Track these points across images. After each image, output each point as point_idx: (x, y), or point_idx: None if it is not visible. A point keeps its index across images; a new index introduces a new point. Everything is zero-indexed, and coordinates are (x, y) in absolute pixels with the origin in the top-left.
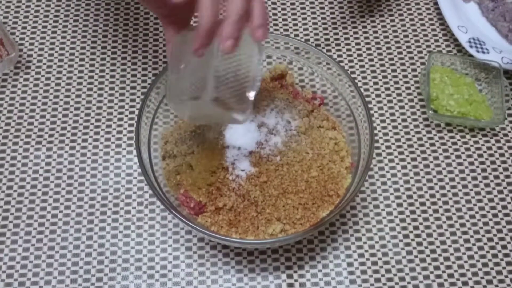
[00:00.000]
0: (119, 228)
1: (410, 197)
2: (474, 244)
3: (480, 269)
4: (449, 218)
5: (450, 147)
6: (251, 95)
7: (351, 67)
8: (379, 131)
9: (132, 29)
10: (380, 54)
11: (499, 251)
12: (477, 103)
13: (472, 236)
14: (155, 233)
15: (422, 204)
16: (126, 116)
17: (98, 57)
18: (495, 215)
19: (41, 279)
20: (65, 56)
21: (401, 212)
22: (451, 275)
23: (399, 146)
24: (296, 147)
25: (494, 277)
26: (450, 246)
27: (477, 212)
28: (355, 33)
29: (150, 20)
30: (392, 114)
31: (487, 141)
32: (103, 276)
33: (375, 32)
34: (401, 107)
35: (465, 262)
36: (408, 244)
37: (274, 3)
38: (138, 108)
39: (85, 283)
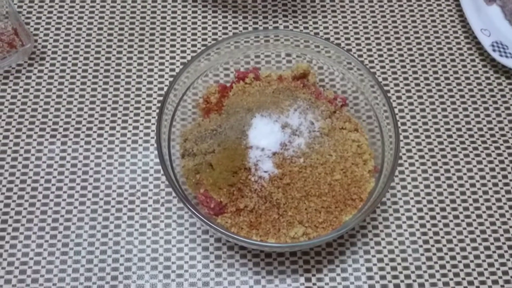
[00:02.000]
0: (135, 226)
1: (430, 202)
2: (494, 252)
3: (500, 277)
4: (469, 224)
5: (471, 152)
6: None
7: (372, 67)
8: (400, 134)
9: (149, 23)
10: (401, 55)
11: None
12: None
13: (492, 243)
14: (172, 232)
15: (443, 209)
16: (143, 111)
17: (114, 50)
18: None
19: (55, 276)
20: (80, 48)
21: (421, 217)
22: (470, 283)
23: (420, 150)
24: (320, 149)
25: None
26: (470, 252)
27: (497, 219)
28: (376, 32)
29: (167, 14)
30: (413, 117)
31: (508, 147)
32: (118, 275)
33: (396, 32)
34: (422, 110)
35: (485, 269)
36: (428, 250)
37: (294, 0)
38: (155, 103)
39: (100, 282)
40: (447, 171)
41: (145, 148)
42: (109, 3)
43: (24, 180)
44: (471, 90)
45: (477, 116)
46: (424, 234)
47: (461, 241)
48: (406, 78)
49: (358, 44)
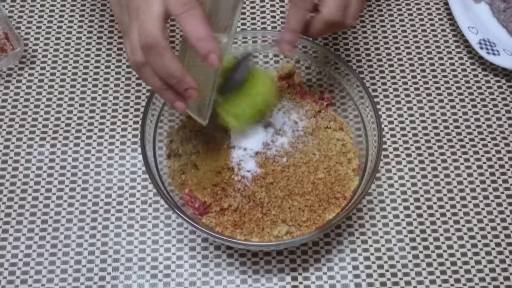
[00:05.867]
0: (123, 226)
1: (417, 200)
2: (481, 249)
3: (487, 275)
4: (456, 222)
5: (458, 150)
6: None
7: (359, 67)
8: (387, 132)
9: None
10: (389, 54)
11: (507, 257)
12: None
13: (479, 241)
14: (159, 233)
15: (429, 207)
16: (131, 113)
17: (103, 53)
18: (503, 220)
19: (44, 277)
20: (70, 52)
21: (408, 216)
22: (457, 280)
23: (407, 149)
24: (303, 148)
25: (501, 283)
26: (457, 250)
27: (485, 217)
28: (364, 32)
29: None
30: (400, 116)
31: (496, 145)
32: (106, 275)
33: (384, 32)
34: (410, 108)
35: (472, 267)
36: (414, 248)
37: (282, 0)
38: (144, 105)
39: (88, 282)
40: (434, 169)
41: (133, 150)
42: (98, 7)
43: (14, 183)
44: (459, 88)
45: (465, 114)
46: (411, 232)
47: (448, 239)
48: (393, 77)
49: (346, 44)
